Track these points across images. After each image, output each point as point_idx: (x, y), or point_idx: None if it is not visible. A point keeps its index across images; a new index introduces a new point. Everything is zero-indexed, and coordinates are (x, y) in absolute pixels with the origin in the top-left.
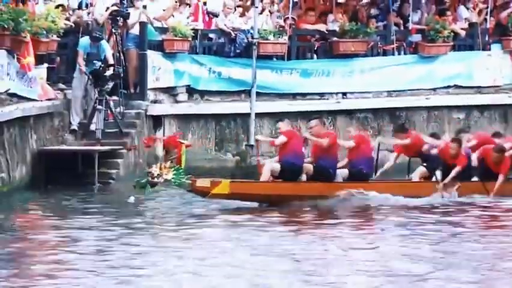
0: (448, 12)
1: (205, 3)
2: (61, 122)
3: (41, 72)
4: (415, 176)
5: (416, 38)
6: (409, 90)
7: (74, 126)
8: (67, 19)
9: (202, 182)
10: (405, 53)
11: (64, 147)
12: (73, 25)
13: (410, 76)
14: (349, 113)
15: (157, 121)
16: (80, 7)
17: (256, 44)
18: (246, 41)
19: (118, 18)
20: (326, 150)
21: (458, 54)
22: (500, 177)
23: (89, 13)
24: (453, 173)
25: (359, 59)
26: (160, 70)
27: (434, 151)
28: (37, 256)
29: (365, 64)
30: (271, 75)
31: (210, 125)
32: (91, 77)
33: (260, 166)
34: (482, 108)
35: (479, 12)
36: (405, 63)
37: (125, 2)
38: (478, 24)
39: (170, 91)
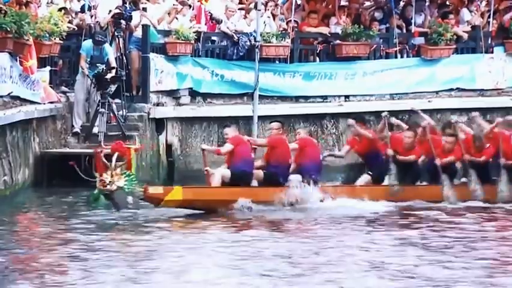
0: (451, 15)
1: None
2: (64, 125)
3: (43, 75)
4: (359, 184)
5: (419, 40)
6: (412, 93)
7: (77, 129)
8: (70, 22)
9: (155, 190)
10: (407, 56)
11: (67, 150)
12: (76, 28)
13: (413, 79)
14: (351, 116)
15: (160, 124)
16: (83, 10)
17: (259, 46)
18: (248, 43)
19: (121, 21)
20: (276, 155)
21: (460, 57)
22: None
23: (92, 16)
24: (407, 158)
25: (361, 62)
26: (162, 73)
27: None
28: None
29: (367, 67)
30: (274, 78)
31: (212, 128)
32: (94, 80)
33: (208, 176)
34: (484, 111)
35: (482, 15)
36: (408, 66)
37: (127, 4)
38: (481, 27)
39: (173, 94)
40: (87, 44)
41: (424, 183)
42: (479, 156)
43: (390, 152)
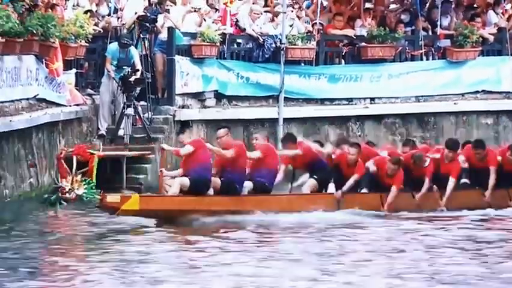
0: (477, 18)
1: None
2: (89, 127)
3: (69, 77)
4: (305, 189)
5: (445, 43)
6: (437, 95)
7: (102, 131)
8: (96, 24)
9: (113, 198)
10: (433, 58)
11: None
12: (102, 30)
13: (438, 81)
14: (377, 119)
15: (185, 126)
16: (109, 14)
17: (284, 49)
18: (274, 46)
19: (146, 23)
20: (232, 163)
21: (486, 59)
22: (394, 190)
23: (118, 18)
24: (351, 180)
25: (387, 64)
26: (188, 75)
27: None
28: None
29: (393, 69)
30: (299, 81)
31: (237, 130)
32: (120, 82)
33: (161, 177)
34: (510, 113)
35: (509, 18)
36: (434, 68)
37: (153, 6)
38: (507, 29)
39: (198, 96)
40: (113, 46)
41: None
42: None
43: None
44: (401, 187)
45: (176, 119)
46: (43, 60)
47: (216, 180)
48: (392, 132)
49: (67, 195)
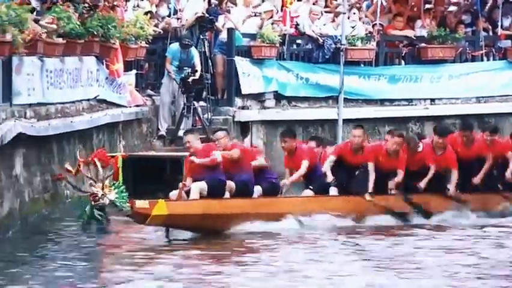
0: None
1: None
2: (149, 128)
3: (129, 78)
4: None
5: (505, 43)
6: (498, 96)
7: (162, 132)
8: (156, 25)
9: (141, 204)
10: (494, 59)
11: (152, 153)
12: (161, 31)
13: (499, 82)
14: (437, 120)
15: (245, 127)
16: (169, 15)
17: (344, 50)
18: (333, 46)
19: (205, 24)
20: (239, 164)
21: None
22: (400, 173)
23: (178, 19)
24: (371, 176)
25: (447, 65)
26: (249, 76)
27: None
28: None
29: (453, 70)
30: (359, 81)
31: (297, 131)
32: (181, 83)
33: (182, 190)
34: None
35: None
36: (494, 69)
37: (213, 6)
38: None
39: (258, 97)
40: (174, 47)
41: None
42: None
43: None
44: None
45: (236, 119)
46: (104, 61)
47: (230, 183)
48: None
49: (100, 201)
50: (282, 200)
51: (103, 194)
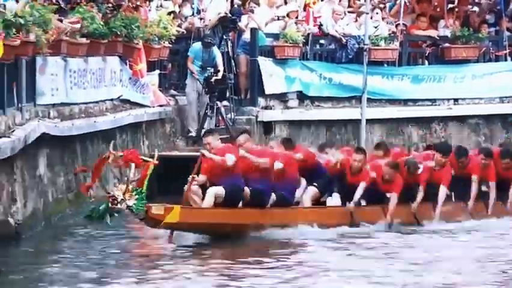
0: None
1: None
2: (172, 128)
3: (153, 78)
4: (306, 198)
5: None
6: None
7: (193, 133)
8: (179, 26)
9: (157, 209)
10: None
11: (176, 153)
12: (185, 31)
13: None
14: (460, 119)
15: (268, 127)
16: (193, 14)
17: (367, 50)
18: (357, 46)
19: (228, 24)
20: (262, 172)
21: None
22: (394, 197)
23: (201, 19)
24: (360, 190)
25: (470, 65)
26: (272, 76)
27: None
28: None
29: (476, 70)
30: (382, 81)
31: (320, 131)
32: (204, 83)
33: (191, 184)
34: None
35: None
36: None
37: (236, 6)
38: None
39: (281, 97)
40: (196, 46)
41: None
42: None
43: None
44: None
45: (259, 119)
46: (127, 61)
47: (246, 190)
48: (476, 133)
49: (118, 205)
50: (297, 211)
51: (122, 199)
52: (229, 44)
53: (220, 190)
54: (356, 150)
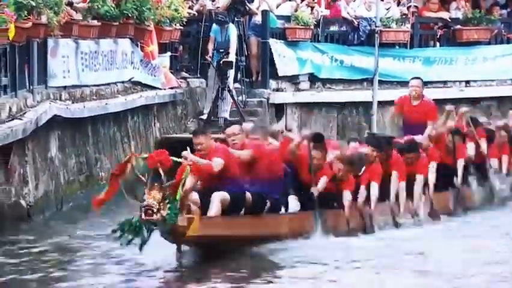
0: None
1: None
2: (184, 110)
3: (164, 60)
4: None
5: None
6: None
7: (205, 114)
8: (190, 8)
9: (182, 221)
10: None
11: (187, 135)
12: (196, 14)
13: None
14: (472, 102)
15: (279, 109)
16: None
17: (379, 32)
18: (368, 28)
19: (239, 6)
20: (257, 170)
21: None
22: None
23: (213, 1)
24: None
25: (482, 47)
26: (285, 58)
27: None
28: None
29: (488, 52)
30: (394, 63)
31: (331, 114)
32: (216, 66)
33: (185, 200)
34: None
35: None
36: None
37: None
38: None
39: (292, 79)
40: (215, 27)
41: None
42: None
43: None
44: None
45: (270, 102)
46: (138, 43)
47: (247, 195)
48: (488, 115)
49: (154, 216)
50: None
51: (158, 209)
52: (241, 26)
53: (225, 195)
54: (315, 145)
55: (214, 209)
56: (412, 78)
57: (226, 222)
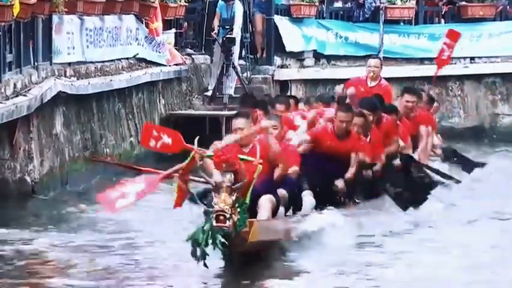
0: None
1: None
2: (189, 86)
3: (169, 37)
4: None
5: None
6: None
7: (210, 91)
8: None
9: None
10: None
11: (192, 111)
12: None
13: None
14: (477, 78)
15: (284, 86)
16: None
17: (384, 8)
18: (374, 5)
19: None
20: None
21: None
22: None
23: None
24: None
25: (487, 23)
26: (289, 35)
27: None
28: None
29: (493, 28)
30: (399, 40)
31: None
32: (221, 42)
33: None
34: None
35: None
36: None
37: None
38: None
39: (297, 56)
40: (221, 2)
41: None
42: None
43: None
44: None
45: (275, 78)
46: (143, 20)
47: (282, 192)
48: (492, 92)
49: (227, 222)
50: None
51: (232, 214)
52: (246, 2)
53: (272, 198)
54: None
55: (265, 213)
56: (371, 58)
57: (285, 225)
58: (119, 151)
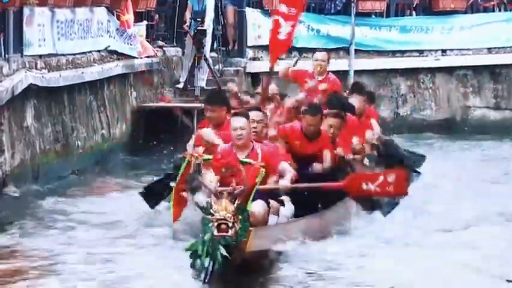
0: None
1: None
2: (160, 79)
3: (140, 29)
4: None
5: None
6: (509, 47)
7: (182, 83)
8: None
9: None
10: (505, 10)
11: (163, 104)
12: None
13: (511, 33)
14: (448, 71)
15: (256, 78)
16: None
17: (355, 1)
18: None
19: None
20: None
21: None
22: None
23: None
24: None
25: (458, 16)
26: (260, 28)
27: None
28: None
29: (464, 21)
30: (370, 33)
31: None
32: (192, 34)
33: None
34: None
35: None
36: (506, 20)
37: None
38: None
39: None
40: None
41: None
42: None
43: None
44: None
45: (247, 71)
46: (114, 12)
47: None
48: (464, 84)
49: (229, 232)
50: None
51: (234, 222)
52: None
53: (264, 204)
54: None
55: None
56: (317, 52)
57: (283, 232)
58: (90, 144)
